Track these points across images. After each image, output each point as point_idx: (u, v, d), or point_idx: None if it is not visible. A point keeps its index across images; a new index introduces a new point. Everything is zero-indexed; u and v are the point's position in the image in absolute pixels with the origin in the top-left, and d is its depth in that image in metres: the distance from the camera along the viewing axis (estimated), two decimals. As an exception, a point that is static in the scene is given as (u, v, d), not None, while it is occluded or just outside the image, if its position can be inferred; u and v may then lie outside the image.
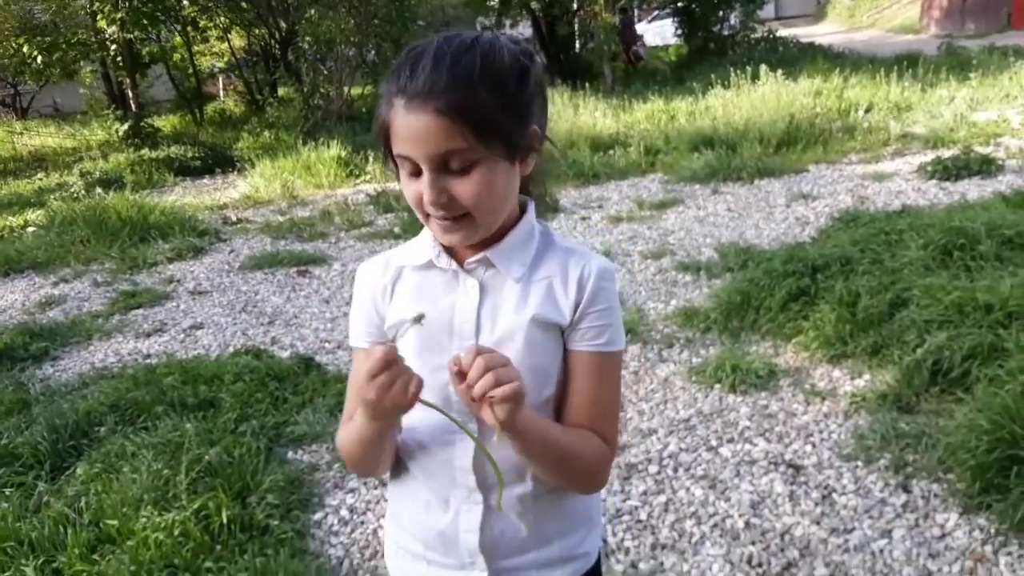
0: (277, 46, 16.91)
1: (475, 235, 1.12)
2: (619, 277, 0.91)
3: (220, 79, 20.98)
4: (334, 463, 3.25)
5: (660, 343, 4.03)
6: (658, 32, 26.33)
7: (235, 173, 11.08)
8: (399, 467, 1.25)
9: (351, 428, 1.16)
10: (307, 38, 14.11)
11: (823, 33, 25.08)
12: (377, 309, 1.22)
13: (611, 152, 8.81)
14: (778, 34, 19.11)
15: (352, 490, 3.08)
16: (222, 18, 16.98)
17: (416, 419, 1.15)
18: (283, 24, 16.17)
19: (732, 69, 11.10)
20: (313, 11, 13.70)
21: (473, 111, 1.03)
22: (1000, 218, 4.37)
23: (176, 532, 2.62)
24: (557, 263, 1.18)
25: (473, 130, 1.03)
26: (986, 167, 6.51)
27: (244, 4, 16.03)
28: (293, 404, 3.72)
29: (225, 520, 2.71)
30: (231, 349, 4.57)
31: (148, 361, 4.46)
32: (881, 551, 2.43)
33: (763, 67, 10.70)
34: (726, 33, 18.77)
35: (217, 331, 4.94)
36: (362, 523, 2.87)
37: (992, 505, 2.52)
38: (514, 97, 1.07)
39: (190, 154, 12.34)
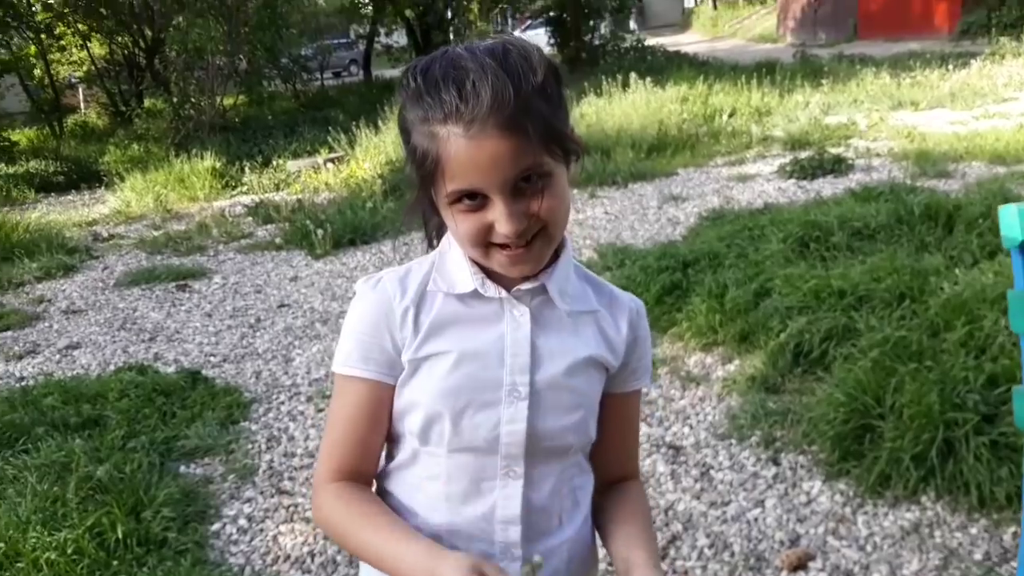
0: (142, 55, 16.33)
1: (545, 257, 1.01)
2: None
3: (80, 90, 20.03)
4: (228, 475, 3.24)
5: (546, 340, 4.19)
6: (532, 41, 26.81)
7: (103, 188, 10.66)
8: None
9: (364, 535, 1.03)
10: (175, 46, 13.70)
11: (688, 42, 26.17)
12: (392, 336, 1.05)
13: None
14: (646, 43, 19.87)
15: (248, 500, 3.08)
16: (80, 25, 16.23)
17: (441, 467, 1.05)
18: (148, 32, 15.64)
19: (604, 77, 11.50)
20: (181, 19, 13.32)
21: (538, 122, 0.92)
22: (850, 212, 4.76)
23: (69, 550, 2.57)
24: (599, 297, 1.11)
25: (541, 141, 0.93)
26: (838, 166, 7.03)
27: (103, 11, 15.39)
28: (182, 418, 3.67)
29: (120, 535, 2.67)
30: (112, 367, 4.44)
31: (22, 384, 4.28)
32: (755, 519, 2.65)
33: (633, 75, 11.13)
34: (597, 43, 19.36)
35: (96, 350, 4.79)
36: (261, 531, 2.88)
37: (850, 471, 2.78)
38: (558, 98, 0.98)
39: (51, 169, 11.80)
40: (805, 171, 7.00)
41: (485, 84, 0.90)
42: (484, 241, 0.97)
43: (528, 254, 0.98)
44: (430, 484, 1.07)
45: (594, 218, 6.59)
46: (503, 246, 0.97)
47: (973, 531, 2.46)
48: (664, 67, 15.59)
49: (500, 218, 0.94)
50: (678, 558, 2.49)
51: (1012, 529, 2.41)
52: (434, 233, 1.13)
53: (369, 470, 1.11)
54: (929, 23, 21.04)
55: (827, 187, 6.54)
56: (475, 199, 0.94)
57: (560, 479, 1.09)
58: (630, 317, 1.12)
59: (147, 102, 16.51)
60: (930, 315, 3.33)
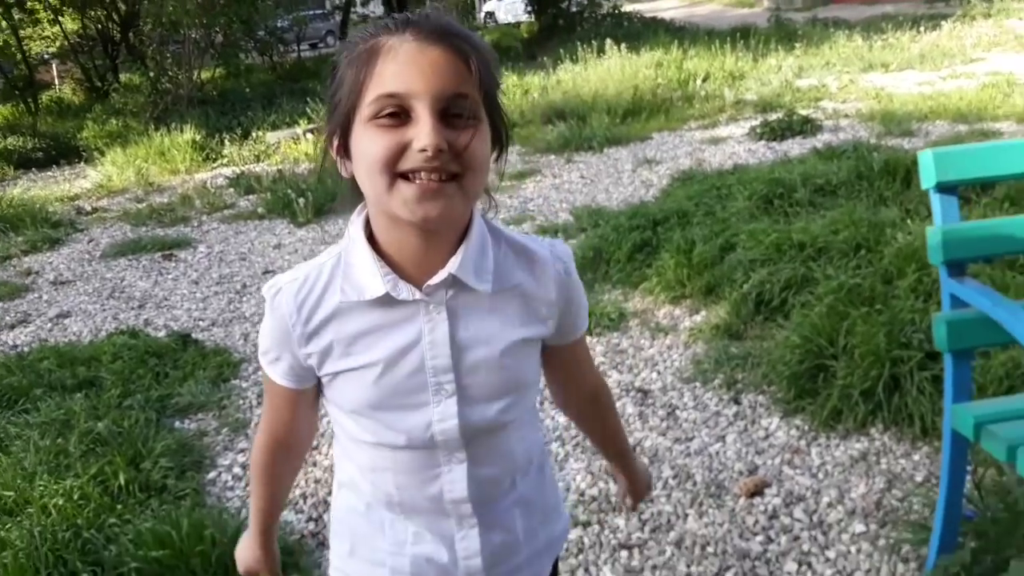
0: (117, 29, 16.21)
1: (454, 212, 0.95)
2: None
3: (54, 65, 19.83)
4: (221, 428, 3.40)
5: (523, 298, 4.36)
6: (509, 9, 26.78)
7: (82, 163, 10.66)
8: (361, 507, 1.16)
9: (253, 481, 1.25)
10: (150, 20, 13.63)
11: (666, 8, 26.10)
12: (296, 356, 1.06)
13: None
14: (623, 9, 19.89)
15: (242, 450, 3.24)
16: (52, 0, 16.07)
17: (387, 461, 1.09)
18: (122, 6, 15.52)
19: (580, 44, 11.59)
20: (155, -9, 13.24)
21: (483, 67, 0.94)
22: (813, 169, 4.95)
23: (75, 496, 2.73)
24: (521, 266, 1.07)
25: (480, 84, 0.93)
26: (806, 127, 7.21)
27: (76, -16, 15.25)
28: (175, 378, 3.82)
29: (123, 482, 2.83)
30: (104, 333, 4.58)
31: (16, 351, 4.42)
32: (716, 453, 2.85)
33: (608, 41, 11.23)
34: (574, 9, 19.36)
35: (86, 318, 4.92)
36: (255, 477, 3.06)
37: (805, 408, 2.98)
38: (496, 82, 0.99)
39: (29, 145, 11.77)
40: (775, 133, 7.18)
41: (437, 14, 0.96)
42: (393, 167, 0.91)
43: (438, 193, 0.91)
44: (379, 473, 1.10)
45: (570, 182, 6.74)
46: (414, 177, 0.91)
47: (916, 457, 2.67)
48: (641, 33, 15.68)
49: (422, 131, 0.89)
50: (644, 488, 2.68)
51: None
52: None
53: (297, 443, 1.22)
54: (903, -15, 21.13)
55: (795, 147, 6.72)
56: (397, 116, 0.91)
57: (506, 447, 1.11)
58: (557, 279, 1.08)
59: (123, 77, 16.41)
60: (884, 264, 3.53)
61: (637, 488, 1.42)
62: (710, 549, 2.39)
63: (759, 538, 2.40)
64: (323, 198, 6.65)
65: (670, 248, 4.27)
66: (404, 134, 0.91)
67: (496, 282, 1.03)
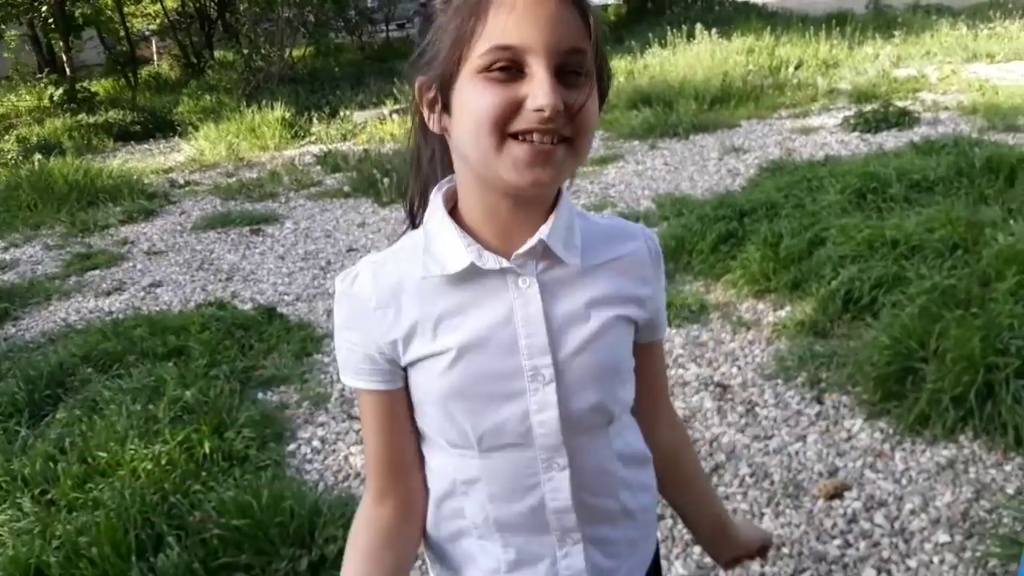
0: (214, 7, 16.68)
1: (564, 175, 0.89)
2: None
3: (154, 42, 20.54)
4: (303, 401, 3.49)
5: (602, 286, 4.32)
6: (597, -9, 26.46)
7: (177, 137, 11.02)
8: (445, 538, 1.05)
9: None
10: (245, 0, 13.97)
11: (758, -8, 25.44)
12: (378, 344, 0.96)
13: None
14: (714, -7, 19.41)
15: (322, 424, 3.32)
16: (155, -21, 16.65)
17: (475, 470, 0.98)
18: (220, -15, 15.94)
19: (669, 28, 11.39)
20: (252, -28, 13.57)
21: (598, 27, 0.87)
22: (909, 164, 4.76)
23: (163, 462, 2.85)
24: (611, 242, 0.99)
25: (594, 43, 0.86)
26: (903, 119, 6.93)
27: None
28: (259, 350, 3.93)
29: (208, 450, 2.94)
30: (192, 304, 4.74)
31: (111, 317, 4.61)
32: (796, 452, 2.78)
33: (698, 26, 11.01)
34: (663, -8, 18.99)
35: (176, 288, 5.10)
36: (333, 451, 3.13)
37: (891, 410, 2.89)
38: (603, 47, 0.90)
39: (129, 119, 12.20)
40: (869, 124, 6.93)
41: None
42: (503, 126, 0.83)
43: (550, 157, 0.84)
44: (470, 487, 0.99)
45: (653, 168, 6.65)
46: (525, 138, 0.83)
47: (1007, 468, 2.56)
48: (732, 18, 15.28)
49: (540, 90, 0.81)
50: (720, 485, 2.64)
51: (1046, 467, 2.50)
52: (417, 202, 1.02)
53: (409, 482, 1.03)
54: (1014, -29, 20.09)
55: (890, 140, 6.47)
56: (509, 71, 0.82)
57: (609, 450, 1.01)
58: (652, 255, 1.02)
59: (218, 54, 16.89)
60: (982, 265, 3.37)
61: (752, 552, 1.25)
62: (785, 550, 2.34)
63: (837, 542, 2.34)
64: (407, 178, 6.72)
65: (756, 240, 4.17)
66: (517, 91, 0.82)
67: (586, 257, 0.95)
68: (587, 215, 1.01)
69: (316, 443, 3.19)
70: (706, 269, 4.26)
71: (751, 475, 2.68)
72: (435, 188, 0.97)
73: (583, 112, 0.85)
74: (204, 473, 2.87)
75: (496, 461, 0.96)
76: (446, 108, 0.89)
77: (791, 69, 9.87)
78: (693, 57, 10.06)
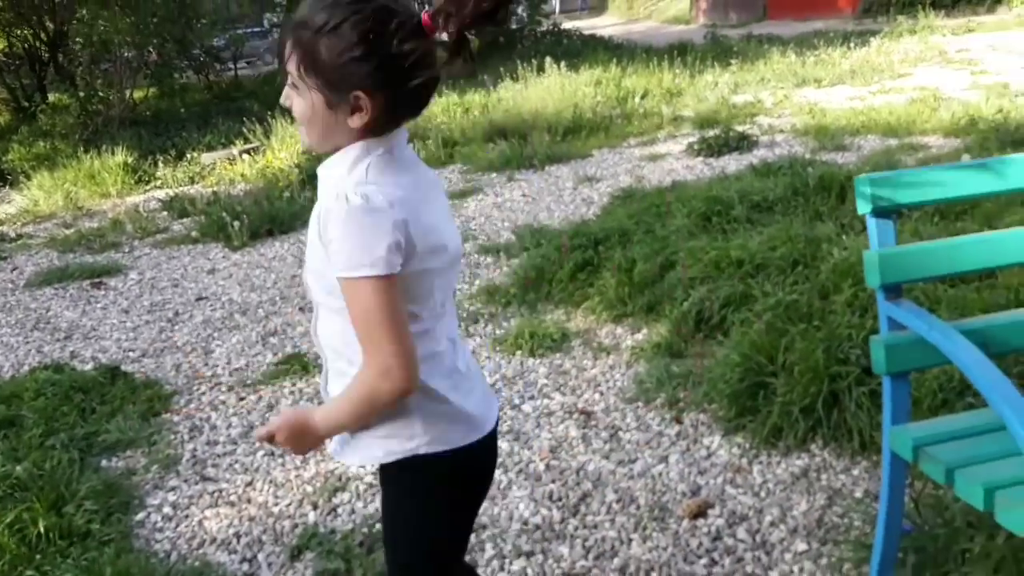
0: (44, 48, 15.75)
1: (313, 145, 1.40)
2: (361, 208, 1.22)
3: (-21, 86, 19.18)
4: (151, 466, 3.27)
5: (467, 320, 4.30)
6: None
7: (7, 187, 10.29)
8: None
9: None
10: (79, 39, 13.28)
11: (604, 25, 26.48)
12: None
13: (410, 145, 8.99)
14: (562, 27, 20.07)
15: (173, 488, 3.12)
16: (-24, 19, 15.57)
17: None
18: (50, 24, 15.09)
19: (520, 62, 11.62)
20: (84, 10, 12.91)
21: (296, 47, 1.34)
22: (750, 186, 5.01)
23: (-10, 546, 2.59)
24: (329, 177, 1.40)
25: (302, 61, 1.34)
26: (743, 143, 7.31)
27: (0, 3, 14.79)
28: (102, 414, 3.67)
29: (42, 529, 2.69)
30: (26, 367, 4.39)
31: (-68, 388, 4.20)
32: (660, 474, 2.82)
33: (548, 59, 11.29)
34: (514, 27, 19.44)
35: (7, 351, 4.71)
36: (186, 516, 2.93)
37: (746, 425, 2.98)
38: (336, 39, 1.33)
39: (-49, 169, 11.33)
40: (712, 149, 7.26)
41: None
42: None
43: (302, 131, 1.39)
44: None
45: (512, 200, 6.72)
46: None
47: (855, 472, 2.68)
48: (580, 50, 15.82)
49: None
50: (588, 513, 2.64)
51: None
52: None
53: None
54: (833, 3, 21.80)
55: (732, 164, 6.80)
56: None
57: None
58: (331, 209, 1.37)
59: (52, 97, 15.95)
60: (820, 279, 3.56)
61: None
62: (655, 574, 2.35)
63: (703, 561, 2.38)
64: (259, 220, 6.52)
65: (611, 267, 4.26)
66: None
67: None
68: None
69: (167, 509, 2.98)
70: (566, 297, 4.31)
71: (617, 501, 2.69)
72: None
73: (294, 109, 1.37)
74: (38, 556, 2.62)
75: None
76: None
77: (638, 99, 10.25)
78: (544, 90, 10.29)
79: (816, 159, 6.29)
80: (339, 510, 2.83)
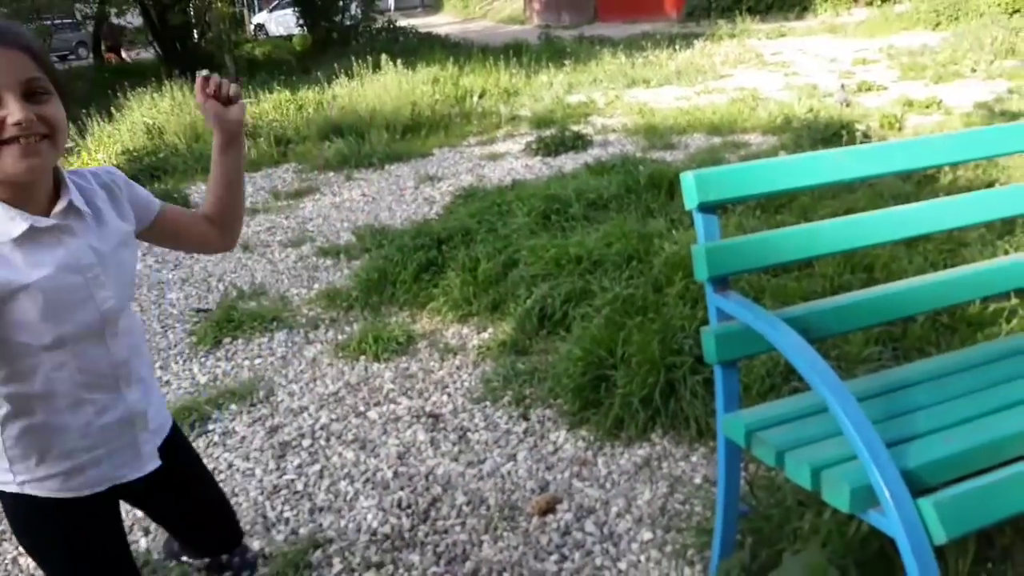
0: None
1: (49, 163, 1.32)
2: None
3: None
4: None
5: (306, 326, 4.16)
6: (281, 21, 26.04)
7: None
8: (38, 420, 1.40)
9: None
10: None
11: (441, 23, 26.52)
12: None
13: (241, 145, 8.66)
14: (398, 24, 19.91)
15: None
16: None
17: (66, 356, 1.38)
18: None
19: (355, 59, 11.41)
20: None
21: (35, 50, 1.28)
22: (586, 184, 5.13)
23: None
24: (86, 185, 1.45)
25: (39, 64, 1.28)
26: (578, 143, 7.50)
27: None
28: None
29: None
30: None
31: None
32: (508, 473, 2.83)
33: (384, 57, 11.15)
34: (348, 23, 19.12)
35: None
36: (-1, 553, 2.68)
37: (591, 419, 3.04)
38: (47, 56, 1.35)
39: None
40: (549, 148, 7.40)
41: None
42: None
43: (37, 148, 1.26)
44: (57, 372, 1.38)
45: (351, 200, 6.58)
46: (15, 142, 1.24)
47: (694, 459, 2.79)
48: (417, 48, 15.74)
49: (13, 109, 1.23)
50: (438, 518, 2.61)
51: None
52: None
53: None
54: (660, 6, 22.82)
55: (569, 162, 6.96)
56: None
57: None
58: (113, 184, 1.49)
59: None
60: (654, 273, 3.69)
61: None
62: (507, 575, 2.35)
63: (554, 557, 2.40)
64: None
65: (456, 267, 4.25)
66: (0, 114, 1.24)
67: (87, 203, 1.42)
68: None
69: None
70: (410, 299, 4.26)
71: (467, 503, 2.68)
72: None
73: (51, 115, 1.28)
74: None
75: (79, 344, 1.41)
76: None
77: (475, 98, 10.31)
78: (381, 88, 10.15)
79: (647, 157, 6.54)
80: (174, 534, 2.66)
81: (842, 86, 8.78)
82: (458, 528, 2.57)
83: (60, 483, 1.45)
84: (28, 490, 1.44)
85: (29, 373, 1.36)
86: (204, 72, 1.54)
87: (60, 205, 1.34)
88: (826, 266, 3.59)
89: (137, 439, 1.52)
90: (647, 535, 2.44)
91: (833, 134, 6.39)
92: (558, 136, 7.60)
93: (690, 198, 2.00)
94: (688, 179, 1.99)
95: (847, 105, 8.02)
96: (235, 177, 1.65)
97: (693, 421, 2.87)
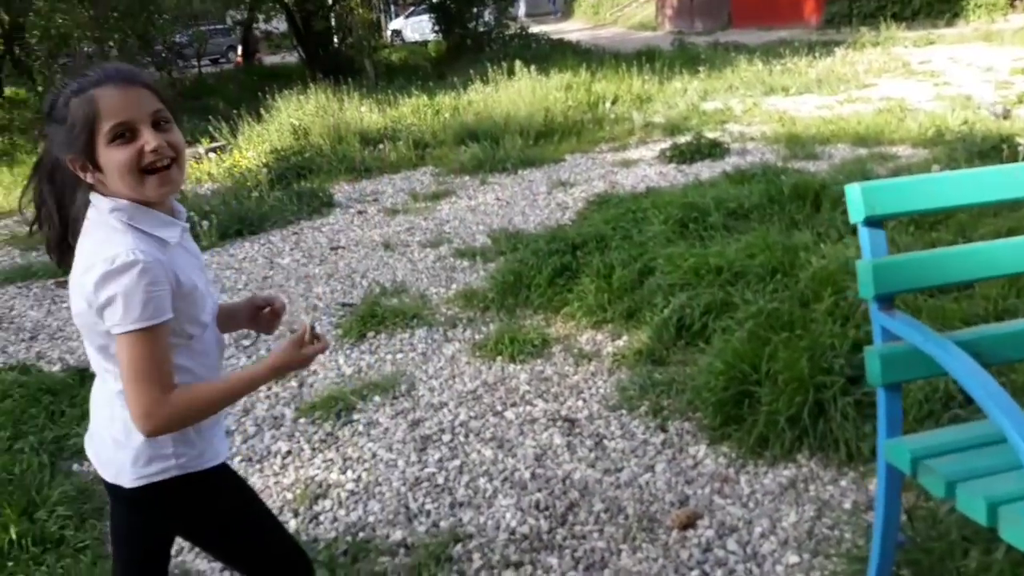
0: (0, 41, 15.39)
1: (181, 182, 1.51)
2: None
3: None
4: (124, 471, 3.18)
5: (444, 324, 4.26)
6: (416, 28, 26.71)
7: (-36, 183, 10.02)
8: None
9: (220, 394, 1.51)
10: (36, 32, 12.98)
11: (571, 30, 26.60)
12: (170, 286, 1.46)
13: (381, 146, 8.96)
14: (530, 31, 20.09)
15: (147, 495, 3.03)
16: (-69, 10, 15.18)
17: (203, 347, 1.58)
18: (5, 17, 14.74)
19: (489, 65, 11.59)
20: (42, 3, 12.63)
21: (155, 86, 1.49)
22: (725, 193, 5.04)
23: (-41, 556, 2.50)
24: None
25: (160, 97, 1.48)
26: (715, 150, 7.37)
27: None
28: (72, 417, 3.56)
29: (14, 536, 2.61)
30: (-10, 369, 4.26)
31: None
32: (647, 483, 2.81)
33: (518, 63, 11.27)
34: (482, 30, 19.42)
35: (-31, 352, 4.57)
36: (162, 524, 2.86)
37: (732, 435, 2.98)
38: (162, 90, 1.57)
39: (-96, 163, 11.00)
40: (684, 155, 7.31)
41: (121, 68, 1.49)
42: (137, 166, 1.42)
43: (172, 174, 1.47)
44: (203, 358, 1.57)
45: (486, 204, 6.69)
46: (154, 171, 1.44)
47: (843, 483, 2.69)
48: (548, 55, 15.84)
49: (149, 138, 1.43)
50: (576, 523, 2.62)
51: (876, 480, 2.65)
52: (68, 232, 1.51)
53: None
54: (798, 12, 22.11)
55: (705, 170, 6.85)
56: (125, 136, 1.42)
57: None
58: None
59: (8, 91, 15.58)
60: (800, 287, 3.59)
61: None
62: (646, 586, 2.34)
63: (695, 573, 2.37)
64: (228, 221, 6.41)
65: (590, 272, 4.25)
66: (136, 144, 1.43)
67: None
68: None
69: (142, 517, 2.90)
70: (545, 303, 4.29)
71: (605, 511, 2.68)
72: (103, 208, 1.46)
73: (176, 142, 1.48)
74: (11, 563, 2.54)
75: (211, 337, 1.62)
76: (97, 168, 1.45)
77: (608, 104, 10.29)
78: (515, 93, 10.27)
79: (789, 167, 6.35)
80: (321, 518, 2.78)
81: (999, 98, 8.28)
82: (596, 535, 2.57)
83: (208, 456, 1.59)
84: (189, 468, 1.56)
85: (192, 355, 1.54)
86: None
87: (183, 216, 1.56)
88: (987, 288, 3.39)
89: (224, 418, 1.72)
90: (793, 558, 2.37)
91: (991, 148, 6.03)
92: (694, 143, 7.49)
93: (856, 211, 1.93)
94: (854, 191, 1.92)
95: (1006, 117, 7.55)
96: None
97: (843, 444, 2.77)
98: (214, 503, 1.63)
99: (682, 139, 7.91)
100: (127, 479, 1.54)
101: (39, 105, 12.17)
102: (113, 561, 1.79)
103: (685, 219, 4.76)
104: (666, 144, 7.91)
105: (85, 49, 12.45)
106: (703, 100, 10.35)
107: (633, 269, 4.19)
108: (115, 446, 1.54)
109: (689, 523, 2.57)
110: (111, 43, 13.43)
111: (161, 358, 1.42)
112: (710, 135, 7.93)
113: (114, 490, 1.58)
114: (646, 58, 13.17)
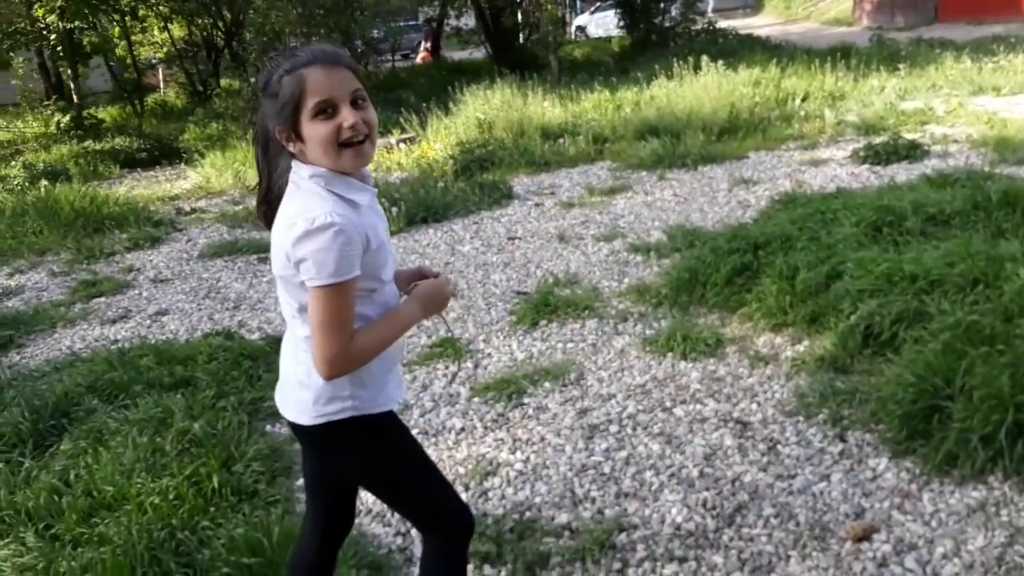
0: (221, 36, 16.77)
1: (372, 156, 1.65)
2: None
3: (160, 70, 20.67)
4: (311, 434, 3.42)
5: (615, 318, 4.27)
6: (601, 23, 26.73)
7: (183, 164, 11.04)
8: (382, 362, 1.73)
9: (384, 330, 1.66)
10: (253, 29, 14.06)
11: (761, 25, 25.71)
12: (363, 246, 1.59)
13: (560, 141, 9.06)
14: (718, 26, 19.60)
15: (331, 458, 3.25)
16: (162, 8, 16.78)
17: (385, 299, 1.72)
18: (227, 15, 16.06)
19: (674, 60, 11.41)
20: (261, 1, 13.67)
21: (356, 68, 1.64)
22: (924, 197, 4.72)
23: (171, 496, 2.78)
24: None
25: (359, 79, 1.63)
26: (913, 152, 6.92)
27: (187, -6, 15.88)
28: (267, 381, 3.86)
29: (216, 484, 2.87)
30: (199, 333, 4.69)
31: (117, 346, 4.55)
32: (821, 492, 2.71)
33: (704, 58, 11.04)
34: (668, 24, 19.14)
35: (183, 316, 5.05)
36: (343, 486, 3.05)
37: (917, 449, 2.82)
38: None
39: (135, 146, 12.26)
40: (879, 156, 6.91)
41: (327, 50, 1.62)
42: (336, 141, 1.57)
43: (365, 148, 1.61)
44: (383, 309, 1.69)
45: (663, 200, 6.62)
46: (350, 145, 1.58)
47: (1041, 511, 2.49)
48: (736, 50, 15.38)
49: (347, 115, 1.57)
50: (744, 525, 2.57)
51: (1081, 510, 2.43)
52: (274, 194, 1.68)
53: None
54: (1014, 5, 20.30)
55: (901, 173, 6.45)
56: (327, 112, 1.56)
57: None
58: None
59: (224, 82, 16.97)
60: (1004, 301, 3.33)
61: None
62: (815, 596, 2.26)
63: (868, 588, 2.27)
64: (415, 208, 6.70)
65: (772, 273, 4.12)
66: (336, 121, 1.58)
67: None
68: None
69: (326, 478, 3.11)
70: (721, 302, 4.20)
71: (775, 516, 2.61)
72: (303, 174, 1.62)
73: (370, 119, 1.62)
74: (213, 508, 2.80)
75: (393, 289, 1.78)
76: (300, 139, 1.61)
77: (798, 101, 9.88)
78: (700, 89, 10.07)
79: (997, 172, 5.87)
80: (490, 494, 2.87)
81: None
82: (764, 539, 2.51)
83: (380, 401, 1.71)
84: (362, 410, 1.68)
85: (374, 306, 1.67)
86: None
87: (371, 182, 1.70)
88: None
89: (399, 366, 1.81)
90: (980, 584, 2.22)
91: None
92: (890, 144, 7.07)
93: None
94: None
95: None
96: None
97: (1045, 469, 2.55)
98: (384, 444, 1.75)
99: (877, 139, 7.49)
100: (307, 417, 1.68)
101: (250, 95, 13.21)
102: (306, 509, 1.96)
103: (879, 222, 4.51)
104: (859, 144, 7.51)
105: (292, 44, 13.35)
106: (902, 99, 9.73)
107: (819, 272, 4.01)
108: (299, 387, 1.70)
109: (864, 536, 2.46)
110: (316, 38, 14.30)
111: (346, 310, 1.57)
112: (908, 136, 7.46)
113: (296, 429, 1.74)
114: (840, 54, 12.50)
